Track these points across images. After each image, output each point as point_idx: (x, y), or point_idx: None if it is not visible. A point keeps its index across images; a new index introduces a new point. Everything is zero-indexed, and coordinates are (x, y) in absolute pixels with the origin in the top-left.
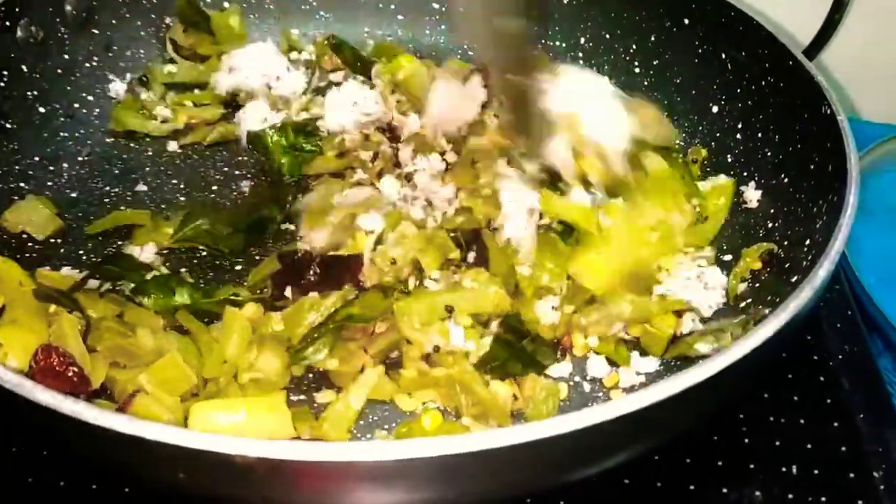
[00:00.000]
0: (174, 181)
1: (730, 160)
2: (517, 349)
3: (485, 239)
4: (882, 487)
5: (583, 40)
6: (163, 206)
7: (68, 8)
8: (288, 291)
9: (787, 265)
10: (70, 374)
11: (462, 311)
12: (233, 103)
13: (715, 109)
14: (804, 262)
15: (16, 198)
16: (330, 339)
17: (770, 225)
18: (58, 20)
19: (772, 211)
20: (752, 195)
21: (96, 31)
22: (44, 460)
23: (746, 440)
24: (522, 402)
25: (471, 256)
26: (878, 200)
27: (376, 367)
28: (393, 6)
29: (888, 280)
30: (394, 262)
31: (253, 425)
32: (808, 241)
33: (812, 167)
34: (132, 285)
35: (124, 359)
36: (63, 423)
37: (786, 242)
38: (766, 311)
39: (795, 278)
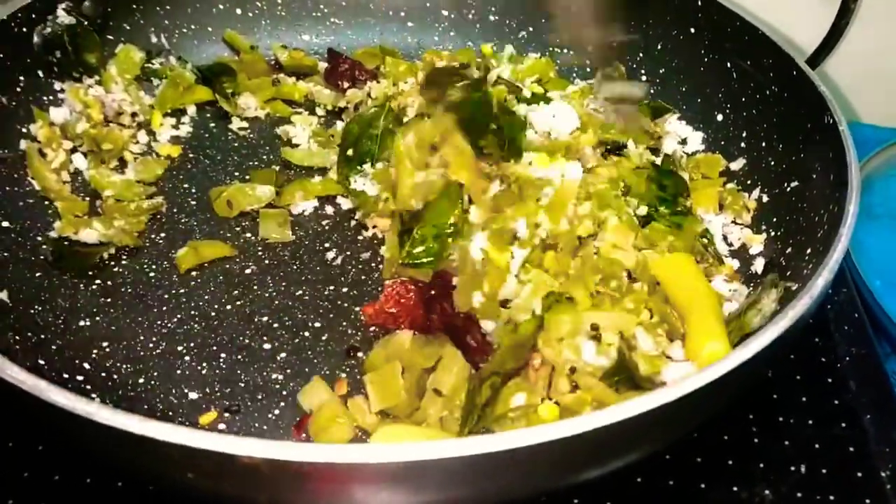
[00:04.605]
0: (185, 185)
1: (735, 168)
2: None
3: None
4: (889, 487)
5: (590, 48)
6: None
7: (84, 15)
8: None
9: (788, 273)
10: None
11: (606, 330)
12: None
13: (720, 118)
14: (805, 271)
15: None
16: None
17: (773, 233)
18: (74, 27)
19: (775, 219)
20: (754, 203)
21: (111, 38)
22: (69, 458)
23: (756, 440)
24: None
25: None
26: (885, 204)
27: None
28: (403, 13)
29: (894, 283)
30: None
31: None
32: (809, 250)
33: (815, 176)
34: None
35: None
36: (76, 424)
37: (788, 250)
38: (791, 284)
39: (796, 286)
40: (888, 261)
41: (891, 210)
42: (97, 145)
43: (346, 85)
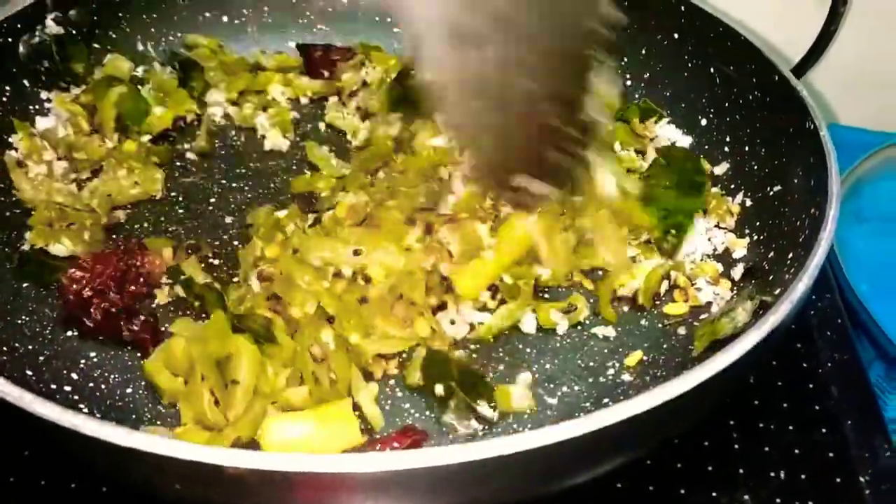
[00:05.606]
0: (173, 194)
1: (718, 173)
2: None
3: None
4: (868, 492)
5: None
6: (162, 219)
7: (72, 23)
8: None
9: (770, 278)
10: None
11: None
12: None
13: (704, 122)
14: (786, 276)
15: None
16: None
17: (756, 237)
18: (59, 35)
19: (758, 223)
20: (737, 207)
21: (97, 46)
22: (55, 463)
23: (736, 446)
24: None
25: None
26: (874, 208)
27: None
28: (389, 19)
29: (881, 288)
30: None
31: (323, 434)
32: (791, 255)
33: (796, 181)
34: None
35: None
36: (63, 435)
37: (771, 254)
38: (767, 298)
39: (778, 291)
40: (876, 265)
41: (880, 214)
42: (71, 153)
43: (326, 74)
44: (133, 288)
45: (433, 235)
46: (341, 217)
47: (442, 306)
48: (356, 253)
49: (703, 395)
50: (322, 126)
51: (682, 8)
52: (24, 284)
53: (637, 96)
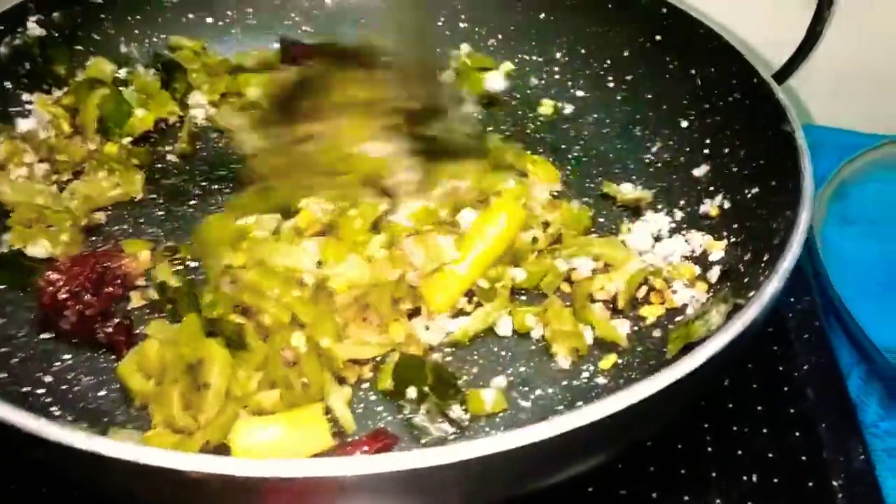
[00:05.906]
0: (152, 196)
1: (698, 175)
2: None
3: None
4: (840, 496)
5: (558, 55)
6: (141, 221)
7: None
8: None
9: (745, 280)
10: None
11: None
12: None
13: (685, 124)
14: (760, 278)
15: None
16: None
17: (734, 239)
18: (41, 37)
19: (735, 226)
20: (716, 209)
21: (80, 48)
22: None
23: (709, 449)
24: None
25: None
26: (861, 210)
27: None
28: (374, 22)
29: (865, 291)
30: None
31: (294, 438)
32: (766, 257)
33: (773, 183)
34: None
35: None
36: (25, 440)
37: (747, 257)
38: (741, 301)
39: (752, 294)
40: (862, 267)
41: (866, 216)
42: (52, 155)
43: None
44: (110, 290)
45: (397, 246)
46: (302, 227)
47: (417, 311)
48: (319, 264)
49: (672, 397)
50: None
51: (664, 10)
52: (1, 287)
53: (619, 98)
